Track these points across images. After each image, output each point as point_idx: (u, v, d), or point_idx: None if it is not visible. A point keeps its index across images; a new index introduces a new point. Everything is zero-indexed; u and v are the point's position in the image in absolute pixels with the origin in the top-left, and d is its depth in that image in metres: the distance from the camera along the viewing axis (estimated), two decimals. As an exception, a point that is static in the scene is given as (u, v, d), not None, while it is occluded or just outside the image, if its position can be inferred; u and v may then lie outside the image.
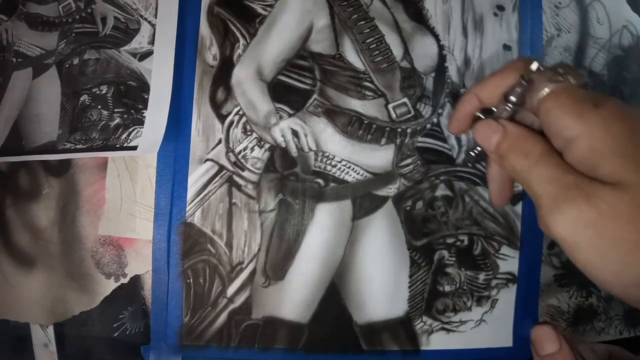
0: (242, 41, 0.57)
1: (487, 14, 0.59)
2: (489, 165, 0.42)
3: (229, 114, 0.56)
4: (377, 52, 0.57)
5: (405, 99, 0.57)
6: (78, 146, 0.57)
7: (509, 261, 0.58)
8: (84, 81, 0.58)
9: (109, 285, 0.57)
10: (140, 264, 0.56)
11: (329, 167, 0.56)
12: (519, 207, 0.58)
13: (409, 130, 0.57)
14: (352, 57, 0.57)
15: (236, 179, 0.56)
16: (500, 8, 0.59)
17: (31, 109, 0.59)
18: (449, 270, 0.57)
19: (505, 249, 0.58)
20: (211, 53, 0.57)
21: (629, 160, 0.30)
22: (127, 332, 0.57)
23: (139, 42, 0.58)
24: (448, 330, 0.57)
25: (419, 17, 0.58)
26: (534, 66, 0.35)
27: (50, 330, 0.58)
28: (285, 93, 0.56)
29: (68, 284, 0.57)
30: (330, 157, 0.56)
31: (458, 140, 0.57)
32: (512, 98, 0.37)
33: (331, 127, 0.56)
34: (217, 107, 0.56)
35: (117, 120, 0.57)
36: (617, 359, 0.45)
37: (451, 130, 0.43)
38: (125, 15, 0.59)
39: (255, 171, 0.56)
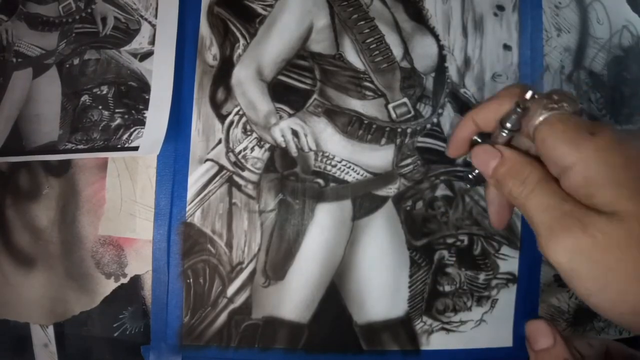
0: (242, 41, 0.57)
1: (487, 14, 0.59)
2: (487, 188, 0.42)
3: (229, 114, 0.56)
4: (377, 52, 0.57)
5: (405, 99, 0.57)
6: (79, 146, 0.57)
7: (509, 261, 0.58)
8: (85, 81, 0.58)
9: (109, 285, 0.57)
10: (140, 264, 0.56)
11: (329, 167, 0.56)
12: (519, 207, 0.58)
13: (409, 130, 0.57)
14: (352, 57, 0.57)
15: (236, 179, 0.56)
16: (500, 8, 0.59)
17: (31, 109, 0.59)
18: (449, 270, 0.57)
19: (505, 249, 0.57)
20: (211, 53, 0.57)
21: (623, 190, 0.30)
22: (127, 332, 0.57)
23: (140, 42, 0.58)
24: (448, 330, 0.57)
25: (419, 17, 0.58)
26: (529, 95, 0.36)
27: (50, 330, 0.58)
28: (285, 93, 0.56)
29: (68, 284, 0.57)
30: (330, 157, 0.56)
31: (458, 140, 0.57)
32: (508, 125, 0.37)
33: (331, 127, 0.56)
34: (217, 107, 0.56)
35: (118, 121, 0.57)
36: (615, 353, 0.45)
37: (450, 154, 0.43)
38: (126, 15, 0.59)
39: (255, 171, 0.56)
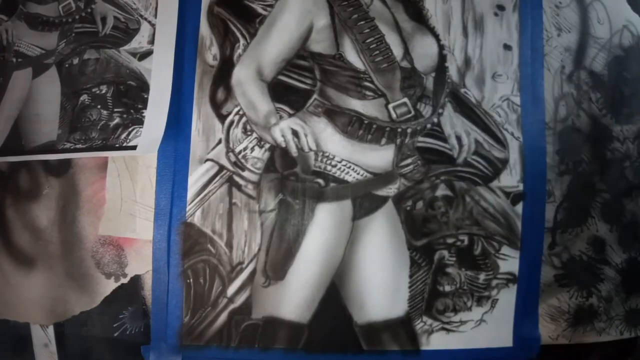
0: (242, 41, 0.57)
1: (488, 13, 0.59)
2: None
3: (229, 114, 0.56)
4: (377, 52, 0.57)
5: (405, 99, 0.57)
6: (78, 146, 0.57)
7: (509, 261, 0.57)
8: (84, 81, 0.58)
9: (109, 285, 0.57)
10: (140, 264, 0.56)
11: (329, 167, 0.56)
12: (519, 207, 0.58)
13: (409, 130, 0.57)
14: (352, 57, 0.57)
15: (236, 179, 0.56)
16: (501, 8, 0.59)
17: (31, 108, 0.59)
18: (449, 270, 0.57)
19: (505, 249, 0.57)
20: (211, 53, 0.57)
21: None
22: (127, 332, 0.57)
23: (139, 41, 0.58)
24: (448, 330, 0.57)
25: (419, 17, 0.58)
26: None
27: (50, 330, 0.58)
28: (285, 93, 0.56)
29: (68, 284, 0.57)
30: (330, 157, 0.56)
31: (458, 140, 0.57)
32: None
33: (331, 127, 0.56)
34: (217, 107, 0.56)
35: (117, 120, 0.57)
36: None
37: None
38: (125, 15, 0.59)
39: (255, 171, 0.56)
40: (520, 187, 0.57)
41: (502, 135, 0.58)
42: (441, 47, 0.58)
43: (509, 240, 0.57)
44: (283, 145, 0.56)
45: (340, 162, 0.56)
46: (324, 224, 0.56)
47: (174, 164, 0.56)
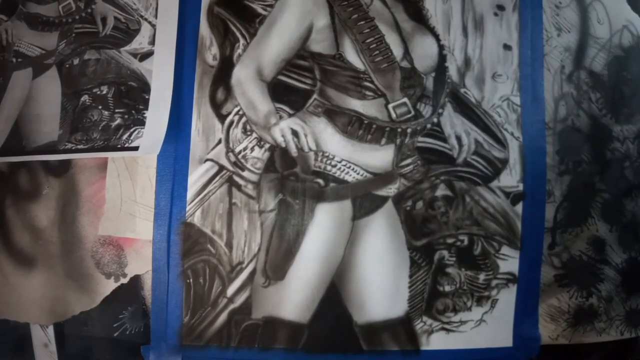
0: (242, 41, 0.57)
1: (488, 13, 0.59)
2: None
3: (229, 114, 0.56)
4: (377, 52, 0.57)
5: (405, 99, 0.57)
6: (79, 146, 0.57)
7: (509, 261, 0.57)
8: (85, 81, 0.58)
9: (109, 285, 0.57)
10: (140, 264, 0.56)
11: (329, 167, 0.56)
12: (519, 207, 0.57)
13: (409, 130, 0.57)
14: (352, 57, 0.57)
15: (236, 179, 0.56)
16: (501, 8, 0.59)
17: (31, 109, 0.59)
18: (449, 270, 0.57)
19: (505, 249, 0.57)
20: (211, 53, 0.57)
21: None
22: (127, 332, 0.57)
23: (140, 42, 0.58)
24: (448, 330, 0.57)
25: (419, 17, 0.58)
26: None
27: (50, 330, 0.58)
28: (285, 93, 0.56)
29: (68, 284, 0.57)
30: (330, 157, 0.56)
31: (458, 140, 0.57)
32: None
33: (331, 127, 0.56)
34: (217, 107, 0.56)
35: (118, 121, 0.57)
36: None
37: None
38: (126, 15, 0.59)
39: (255, 171, 0.56)
40: (520, 187, 0.57)
41: (502, 135, 0.58)
42: (441, 47, 0.58)
43: (509, 240, 0.57)
44: (283, 145, 0.56)
45: (340, 162, 0.56)
46: (324, 224, 0.56)
47: (173, 164, 0.56)
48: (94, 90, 0.58)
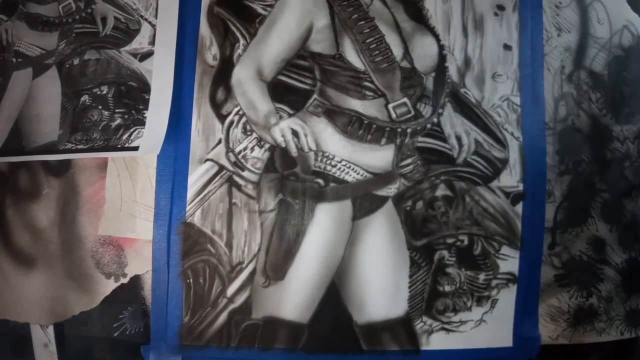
0: (242, 41, 0.57)
1: (488, 13, 0.59)
2: None
3: (229, 114, 0.56)
4: (377, 52, 0.57)
5: (405, 99, 0.57)
6: (79, 146, 0.57)
7: (509, 261, 0.57)
8: (85, 81, 0.58)
9: (109, 285, 0.57)
10: (140, 264, 0.56)
11: (329, 167, 0.56)
12: (519, 207, 0.57)
13: (409, 130, 0.57)
14: (352, 57, 0.57)
15: (236, 179, 0.56)
16: (501, 8, 0.59)
17: (31, 109, 0.59)
18: (449, 270, 0.57)
19: (505, 249, 0.57)
20: (211, 53, 0.57)
21: None
22: (127, 332, 0.57)
23: (140, 42, 0.58)
24: (448, 331, 0.57)
25: (419, 17, 0.58)
26: None
27: (50, 330, 0.59)
28: (285, 93, 0.56)
29: (68, 284, 0.57)
30: (330, 157, 0.56)
31: (458, 140, 0.57)
32: None
33: (331, 127, 0.56)
34: (217, 107, 0.56)
35: (118, 121, 0.57)
36: None
37: None
38: (126, 15, 0.59)
39: (255, 171, 0.56)
40: (520, 187, 0.57)
41: (502, 135, 0.58)
42: (441, 47, 0.58)
43: (509, 240, 0.57)
44: (283, 145, 0.56)
45: (340, 162, 0.56)
46: (324, 224, 0.56)
47: (173, 164, 0.56)
48: (94, 90, 0.58)
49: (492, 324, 0.57)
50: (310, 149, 0.56)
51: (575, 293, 0.59)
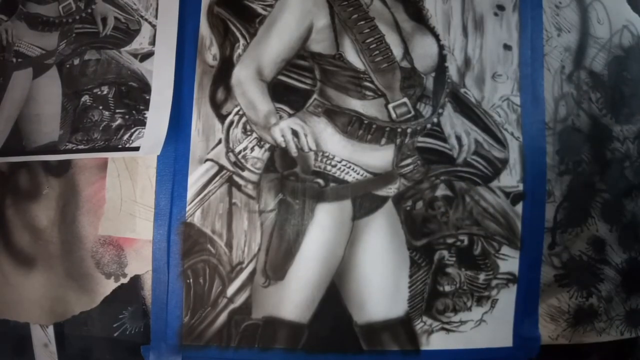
0: (242, 41, 0.57)
1: (488, 13, 0.59)
2: None
3: (229, 114, 0.56)
4: (377, 52, 0.57)
5: (405, 99, 0.57)
6: (79, 147, 0.57)
7: (509, 261, 0.57)
8: (85, 82, 0.58)
9: (109, 285, 0.57)
10: (140, 264, 0.56)
11: (329, 167, 0.56)
12: (519, 207, 0.57)
13: (409, 130, 0.57)
14: (352, 57, 0.57)
15: (236, 179, 0.56)
16: (501, 8, 0.59)
17: (32, 109, 0.59)
18: (449, 270, 0.57)
19: (505, 249, 0.57)
20: (211, 53, 0.57)
21: None
22: (127, 332, 0.57)
23: (140, 42, 0.58)
24: (448, 331, 0.57)
25: (419, 17, 0.58)
26: None
27: (50, 330, 0.59)
28: (285, 93, 0.56)
29: (68, 284, 0.57)
30: (330, 157, 0.56)
31: (458, 140, 0.57)
32: None
33: (331, 127, 0.56)
34: (217, 107, 0.56)
35: (119, 121, 0.57)
36: None
37: None
38: (126, 15, 0.59)
39: (255, 171, 0.56)
40: (520, 187, 0.57)
41: (502, 135, 0.58)
42: (441, 47, 0.58)
43: (509, 240, 0.57)
44: (283, 145, 0.56)
45: (340, 162, 0.56)
46: (324, 224, 0.56)
47: (173, 164, 0.56)
48: (95, 91, 0.58)
49: (492, 324, 0.57)
50: (310, 149, 0.56)
51: (575, 293, 0.59)
